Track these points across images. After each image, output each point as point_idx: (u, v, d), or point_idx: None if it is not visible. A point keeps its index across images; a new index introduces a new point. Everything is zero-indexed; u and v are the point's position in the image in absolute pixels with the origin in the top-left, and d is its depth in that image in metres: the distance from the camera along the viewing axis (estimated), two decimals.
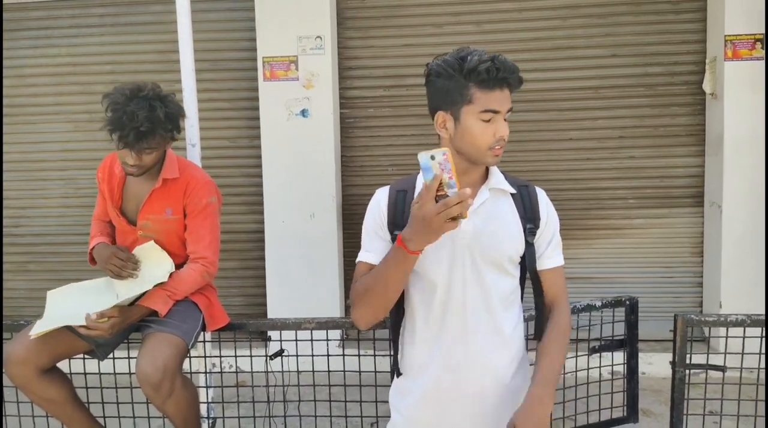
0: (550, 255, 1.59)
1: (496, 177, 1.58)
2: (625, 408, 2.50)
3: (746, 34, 3.55)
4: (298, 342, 2.29)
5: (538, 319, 1.62)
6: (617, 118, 3.93)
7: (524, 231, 1.55)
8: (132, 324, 2.09)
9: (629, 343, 2.39)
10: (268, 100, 3.87)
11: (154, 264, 2.15)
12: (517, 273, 1.58)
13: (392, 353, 1.64)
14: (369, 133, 4.00)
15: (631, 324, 2.39)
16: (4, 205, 4.25)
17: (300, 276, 3.88)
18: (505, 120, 1.46)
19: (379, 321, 1.50)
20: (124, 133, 1.99)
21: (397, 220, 1.55)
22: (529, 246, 1.56)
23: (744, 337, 2.16)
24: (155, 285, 2.10)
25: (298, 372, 2.34)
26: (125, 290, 2.12)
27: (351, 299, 1.51)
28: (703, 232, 3.92)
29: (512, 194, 1.58)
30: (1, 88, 4.08)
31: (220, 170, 4.12)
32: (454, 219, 1.27)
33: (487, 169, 1.59)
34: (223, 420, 2.63)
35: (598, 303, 2.39)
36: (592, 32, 3.88)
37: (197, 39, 4.05)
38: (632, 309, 2.39)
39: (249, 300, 4.18)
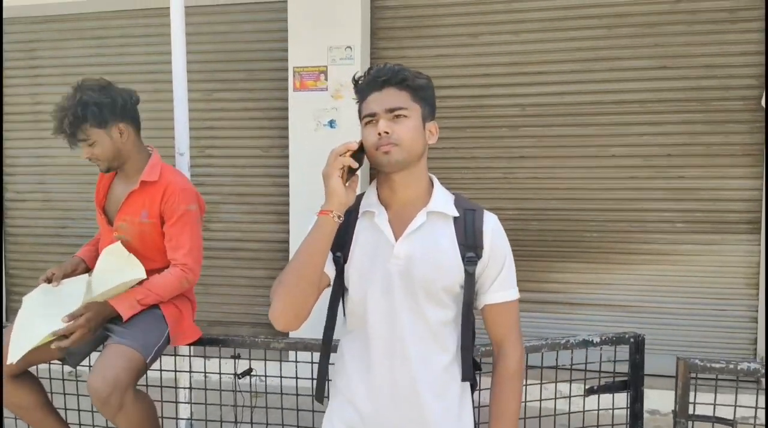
0: (496, 290, 1.46)
1: (438, 199, 1.48)
2: None
3: None
4: (267, 362, 2.21)
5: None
6: (666, 134, 3.63)
7: (462, 259, 1.43)
8: (102, 330, 2.07)
9: (633, 386, 2.15)
10: (297, 110, 3.85)
11: (126, 265, 2.13)
12: (456, 306, 1.46)
13: (316, 376, 1.55)
14: None
15: (636, 364, 2.15)
16: (52, 207, 4.46)
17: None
18: (398, 116, 1.40)
19: (300, 319, 1.39)
20: (56, 126, 2.09)
21: (339, 240, 1.46)
22: (468, 276, 1.43)
23: (759, 390, 1.89)
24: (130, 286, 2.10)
25: (267, 393, 2.26)
26: (96, 286, 2.11)
27: (270, 295, 1.43)
28: (760, 262, 3.54)
29: (454, 218, 1.46)
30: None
31: (251, 179, 4.17)
32: (351, 171, 1.39)
33: (431, 190, 1.49)
34: None
35: (596, 339, 2.16)
36: (640, 42, 3.61)
37: (233, 50, 4.16)
38: (637, 347, 2.15)
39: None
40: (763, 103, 3.42)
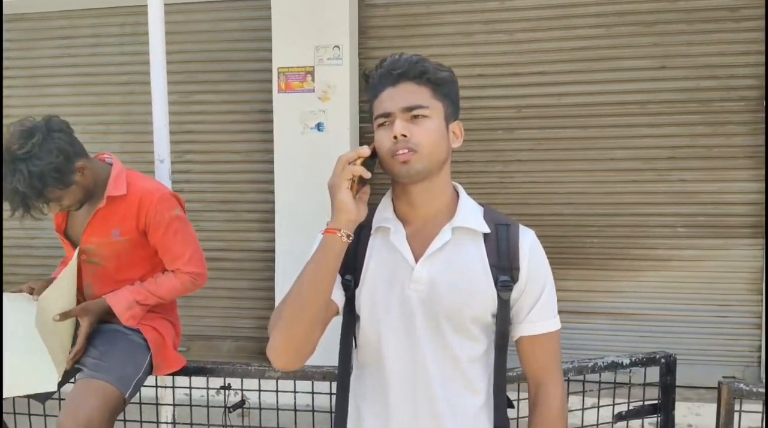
0: (535, 320, 1.25)
1: (464, 212, 1.26)
2: None
3: None
4: (261, 392, 1.99)
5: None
6: (667, 136, 3.51)
7: (495, 284, 1.22)
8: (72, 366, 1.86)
9: (663, 410, 1.99)
10: (282, 113, 3.65)
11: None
12: (487, 338, 1.25)
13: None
14: None
15: (667, 386, 1.99)
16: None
17: None
18: (416, 117, 1.19)
19: (302, 356, 1.20)
20: (20, 210, 1.81)
21: (349, 261, 1.25)
22: (503, 303, 1.23)
23: None
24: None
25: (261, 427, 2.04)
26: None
27: (268, 330, 1.22)
28: (763, 267, 3.45)
29: (484, 235, 1.25)
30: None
31: (233, 185, 3.96)
32: (362, 181, 1.20)
33: (456, 202, 1.28)
34: None
35: (626, 361, 1.99)
36: (640, 41, 3.49)
37: (213, 49, 3.95)
38: (668, 368, 1.98)
39: (258, 322, 3.93)
40: (765, 103, 3.33)
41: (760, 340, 3.48)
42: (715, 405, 3.15)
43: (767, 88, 3.30)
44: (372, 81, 1.27)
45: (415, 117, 1.19)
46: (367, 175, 1.18)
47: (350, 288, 1.27)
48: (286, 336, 1.18)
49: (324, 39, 3.58)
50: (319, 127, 3.61)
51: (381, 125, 1.22)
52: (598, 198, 3.60)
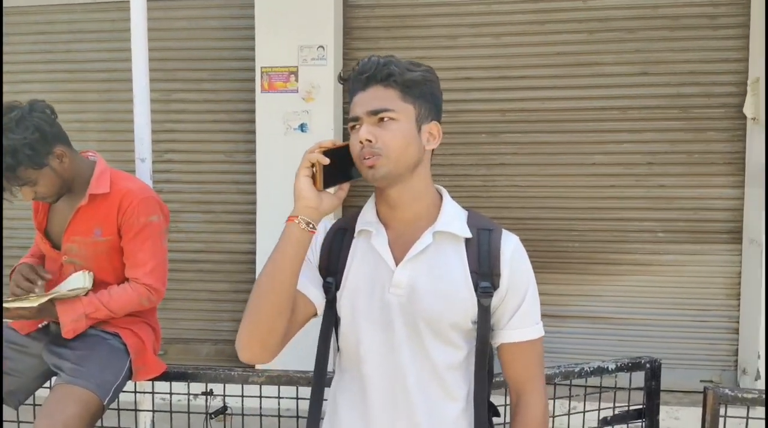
0: (515, 326, 1.23)
1: (446, 216, 1.25)
2: None
3: None
4: (244, 398, 1.96)
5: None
6: (647, 142, 3.55)
7: (475, 290, 1.21)
8: (49, 365, 1.80)
9: (648, 415, 2.00)
10: (265, 113, 3.61)
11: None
12: (468, 345, 1.24)
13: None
14: None
15: (651, 391, 2.00)
16: None
17: None
18: (383, 120, 1.19)
19: (268, 350, 1.19)
20: None
21: (331, 264, 1.26)
22: (483, 310, 1.21)
23: None
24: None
25: None
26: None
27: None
28: (741, 272, 3.50)
29: (466, 240, 1.24)
30: (0, 87, 3.93)
31: (214, 186, 3.90)
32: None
33: (440, 205, 1.28)
34: None
35: (612, 366, 2.00)
36: (621, 48, 3.53)
37: (196, 47, 3.90)
38: (653, 373, 2.00)
39: (239, 325, 3.88)
40: (744, 110, 3.38)
41: (737, 344, 3.53)
42: (693, 409, 3.26)
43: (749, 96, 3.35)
44: (347, 85, 1.28)
45: (382, 120, 1.19)
46: (325, 161, 1.17)
47: (331, 290, 1.26)
48: (248, 326, 1.17)
49: (308, 39, 3.55)
50: (302, 127, 3.58)
51: (352, 129, 1.23)
52: (579, 202, 3.62)
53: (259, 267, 3.63)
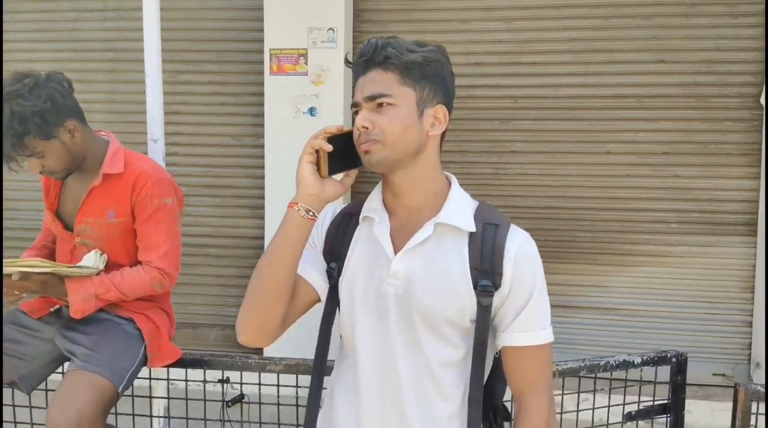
0: (518, 330, 1.16)
1: (450, 208, 1.19)
2: None
3: None
4: (261, 386, 1.90)
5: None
6: (662, 131, 3.49)
7: (475, 288, 1.14)
8: (62, 350, 1.75)
9: (674, 410, 1.94)
10: (274, 96, 3.54)
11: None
12: (466, 345, 1.17)
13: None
14: None
15: (677, 386, 1.94)
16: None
17: None
18: (381, 105, 1.15)
19: (266, 334, 1.19)
20: None
21: (335, 249, 1.23)
22: (483, 309, 1.14)
23: None
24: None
25: (261, 423, 1.95)
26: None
27: None
28: (755, 265, 3.44)
29: (470, 234, 1.18)
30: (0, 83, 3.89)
31: (222, 170, 3.85)
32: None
33: (447, 194, 1.22)
34: None
35: (638, 360, 1.94)
36: (637, 34, 3.45)
37: (204, 28, 3.83)
38: (679, 367, 1.94)
39: None
40: (762, 100, 3.31)
41: (750, 338, 3.48)
42: (706, 402, 3.22)
43: (767, 85, 3.28)
44: (352, 69, 1.24)
45: (380, 105, 1.15)
46: (328, 148, 1.14)
47: (334, 276, 1.23)
48: (246, 310, 1.17)
49: (318, 21, 3.48)
50: (311, 111, 3.51)
51: (355, 114, 1.20)
52: (592, 191, 3.57)
53: None
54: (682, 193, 3.50)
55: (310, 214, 1.15)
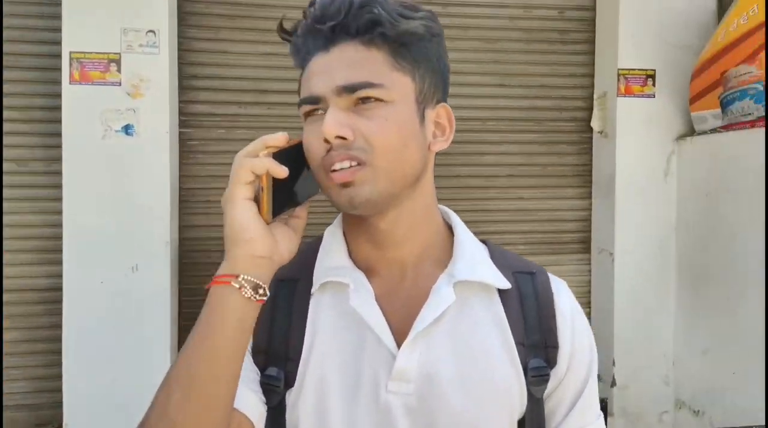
0: (575, 424, 0.84)
1: (465, 256, 0.83)
2: None
3: (639, 69, 3.32)
4: None
5: None
6: (506, 154, 3.49)
7: (525, 372, 0.80)
8: None
9: None
10: (75, 110, 2.81)
11: None
12: None
13: None
14: (218, 159, 3.08)
15: None
16: None
17: (113, 350, 2.81)
18: (365, 101, 0.74)
19: None
20: None
21: (275, 346, 0.77)
22: (534, 403, 0.81)
23: None
24: None
25: None
26: None
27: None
28: (591, 281, 3.59)
29: (500, 292, 0.83)
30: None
31: (4, 204, 2.96)
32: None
33: (448, 235, 0.86)
34: None
35: None
36: (482, 57, 3.43)
37: None
38: None
39: (38, 384, 2.97)
40: (592, 124, 3.48)
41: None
42: None
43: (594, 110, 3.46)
44: (295, 41, 0.79)
45: (364, 101, 0.74)
46: (281, 172, 0.69)
47: (277, 390, 0.76)
48: None
49: (134, 21, 2.85)
50: (127, 129, 2.86)
51: (308, 116, 0.76)
52: None
53: (66, 308, 2.80)
54: (525, 215, 3.53)
55: (260, 291, 0.69)
